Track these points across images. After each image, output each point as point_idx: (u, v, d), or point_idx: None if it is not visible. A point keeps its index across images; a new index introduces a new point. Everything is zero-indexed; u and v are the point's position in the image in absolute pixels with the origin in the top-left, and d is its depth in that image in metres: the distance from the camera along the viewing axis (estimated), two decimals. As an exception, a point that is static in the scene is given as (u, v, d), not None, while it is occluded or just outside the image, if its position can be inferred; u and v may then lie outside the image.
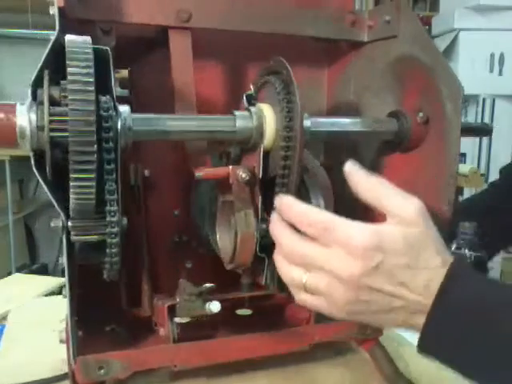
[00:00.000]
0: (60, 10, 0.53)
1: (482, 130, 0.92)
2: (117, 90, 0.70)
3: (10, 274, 1.79)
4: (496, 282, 0.50)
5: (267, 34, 0.71)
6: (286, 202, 0.50)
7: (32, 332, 0.88)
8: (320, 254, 0.47)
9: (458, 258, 0.47)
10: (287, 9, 0.72)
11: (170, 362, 0.65)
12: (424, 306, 0.46)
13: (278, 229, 0.51)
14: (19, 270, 2.72)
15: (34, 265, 3.07)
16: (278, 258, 0.51)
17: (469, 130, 0.88)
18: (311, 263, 0.48)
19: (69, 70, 0.45)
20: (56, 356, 0.61)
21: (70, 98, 0.44)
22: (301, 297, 0.50)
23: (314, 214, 0.48)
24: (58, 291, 1.19)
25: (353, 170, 0.50)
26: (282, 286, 0.63)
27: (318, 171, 0.71)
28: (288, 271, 0.50)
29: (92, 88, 0.45)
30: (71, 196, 0.46)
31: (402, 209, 0.47)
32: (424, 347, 0.48)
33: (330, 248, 0.46)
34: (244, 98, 0.63)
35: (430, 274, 0.46)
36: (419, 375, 0.76)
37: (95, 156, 0.45)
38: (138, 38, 0.71)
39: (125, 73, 0.74)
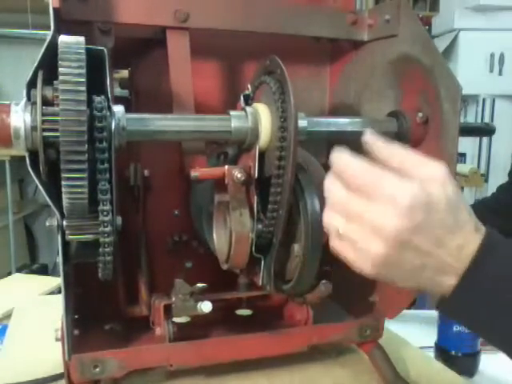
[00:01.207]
0: (55, 10, 0.53)
1: (485, 130, 0.92)
2: (116, 90, 0.70)
3: (10, 274, 1.80)
4: None
5: (267, 33, 0.71)
6: (342, 160, 0.50)
7: (33, 332, 0.88)
8: (363, 205, 0.46)
9: (492, 230, 0.48)
10: (287, 8, 0.72)
11: (165, 362, 0.65)
12: (455, 268, 0.46)
13: (329, 181, 0.50)
14: (19, 270, 2.72)
15: (33, 265, 3.07)
16: (325, 210, 0.50)
17: (471, 130, 0.88)
18: (353, 213, 0.47)
19: (60, 70, 0.45)
20: (58, 355, 0.62)
21: (61, 98, 0.44)
22: (334, 243, 0.49)
23: (363, 168, 0.47)
24: (58, 291, 1.19)
25: (374, 139, 0.50)
26: (278, 286, 0.63)
27: (316, 171, 0.71)
28: (328, 217, 0.49)
29: (83, 88, 0.45)
30: (64, 195, 0.46)
31: (434, 170, 0.47)
32: (448, 308, 0.48)
33: (375, 201, 0.45)
34: (241, 97, 0.63)
35: (465, 237, 0.46)
36: (418, 377, 0.75)
37: (86, 156, 0.46)
38: (136, 38, 0.71)
39: (125, 73, 0.74)
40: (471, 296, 0.46)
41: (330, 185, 0.50)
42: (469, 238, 0.46)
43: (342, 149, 0.50)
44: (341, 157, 0.50)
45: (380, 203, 0.45)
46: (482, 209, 1.09)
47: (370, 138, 0.50)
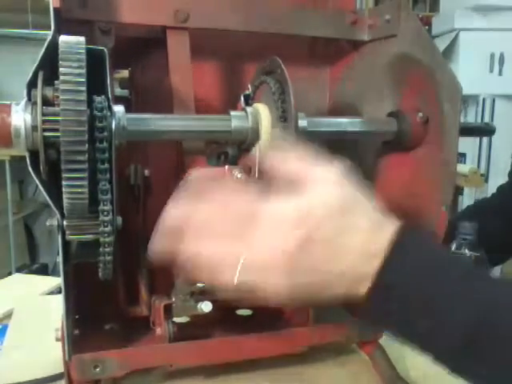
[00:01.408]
0: (55, 10, 0.53)
1: (485, 130, 0.92)
2: (117, 90, 0.70)
3: (10, 274, 1.80)
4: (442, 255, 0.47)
5: (267, 33, 0.71)
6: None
7: (33, 332, 0.88)
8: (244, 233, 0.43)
9: (401, 225, 0.45)
10: (287, 8, 0.72)
11: (165, 362, 0.65)
12: (363, 271, 0.43)
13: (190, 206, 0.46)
14: (19, 270, 2.72)
15: (33, 265, 3.08)
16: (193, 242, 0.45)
17: (471, 130, 0.88)
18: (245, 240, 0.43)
19: (61, 70, 0.45)
20: (58, 355, 0.62)
21: (61, 98, 0.44)
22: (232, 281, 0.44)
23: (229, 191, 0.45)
24: (58, 291, 1.19)
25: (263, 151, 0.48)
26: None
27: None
28: (215, 249, 0.44)
29: (83, 88, 0.45)
30: (64, 195, 0.46)
31: (323, 173, 0.45)
32: (366, 315, 0.46)
33: (260, 227, 0.43)
34: (241, 97, 0.63)
35: (369, 237, 0.43)
36: (418, 377, 0.75)
37: (86, 156, 0.46)
38: (137, 38, 0.71)
39: (125, 73, 0.74)
40: (386, 299, 0.43)
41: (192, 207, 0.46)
42: (372, 237, 0.44)
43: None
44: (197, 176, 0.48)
45: (264, 227, 0.43)
46: (482, 211, 1.09)
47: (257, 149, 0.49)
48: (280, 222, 0.43)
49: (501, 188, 1.17)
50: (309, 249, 0.43)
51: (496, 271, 2.39)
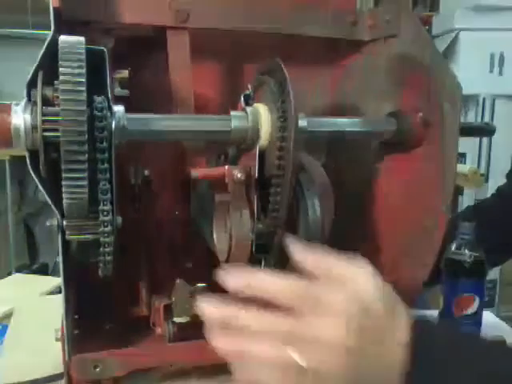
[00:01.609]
0: (55, 10, 0.53)
1: (485, 130, 0.92)
2: (116, 90, 0.70)
3: (10, 274, 1.80)
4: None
5: (267, 33, 0.71)
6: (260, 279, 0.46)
7: (33, 332, 0.88)
8: (309, 325, 0.44)
9: (420, 320, 0.47)
10: (287, 8, 0.72)
11: (165, 362, 0.65)
12: (400, 364, 0.45)
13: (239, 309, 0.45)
14: (19, 269, 2.71)
15: (33, 265, 3.07)
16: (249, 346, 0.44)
17: (471, 130, 0.88)
18: (299, 338, 0.43)
19: (61, 70, 0.45)
20: (58, 355, 0.62)
21: (61, 98, 0.44)
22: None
23: (287, 283, 0.45)
24: (58, 291, 1.19)
25: (295, 245, 0.48)
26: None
27: (316, 171, 0.71)
28: (278, 352, 0.43)
29: (83, 88, 0.45)
30: (64, 195, 0.47)
31: (359, 271, 0.46)
32: None
33: (314, 316, 0.44)
34: (241, 97, 0.63)
35: (402, 334, 0.45)
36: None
37: (86, 156, 0.46)
38: (137, 38, 0.71)
39: (125, 73, 0.74)
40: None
41: (238, 310, 0.45)
42: (405, 334, 0.45)
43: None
44: (257, 275, 0.46)
45: (318, 316, 0.44)
46: (481, 212, 1.09)
47: (291, 245, 0.48)
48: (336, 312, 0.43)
49: (499, 190, 1.17)
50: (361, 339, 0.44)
51: (496, 271, 2.39)
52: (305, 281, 0.45)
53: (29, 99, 0.49)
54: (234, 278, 0.47)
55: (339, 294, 0.44)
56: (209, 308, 0.46)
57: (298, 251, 0.47)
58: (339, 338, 0.43)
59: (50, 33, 0.51)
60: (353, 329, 0.43)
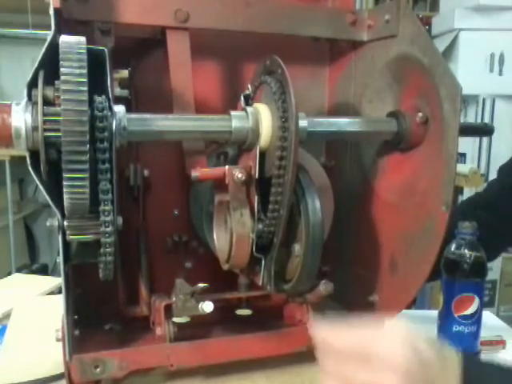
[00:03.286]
0: (56, 10, 0.53)
1: (483, 130, 0.92)
2: (116, 90, 0.70)
3: (9, 274, 1.79)
4: None
5: (267, 33, 0.71)
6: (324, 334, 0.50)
7: (33, 332, 0.88)
8: (362, 372, 0.47)
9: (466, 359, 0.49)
10: (287, 9, 0.72)
11: (166, 362, 0.65)
12: None
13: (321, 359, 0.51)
14: (19, 270, 2.71)
15: (33, 265, 3.07)
16: None
17: (469, 130, 0.88)
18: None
19: (62, 70, 0.45)
20: (58, 355, 0.62)
21: (62, 98, 0.44)
22: None
23: (350, 336, 0.48)
24: (58, 291, 1.19)
25: (316, 327, 0.51)
26: (278, 286, 0.63)
27: (316, 171, 0.71)
28: None
29: (85, 88, 0.45)
30: (65, 195, 0.46)
31: (396, 331, 0.48)
32: None
33: (373, 367, 0.46)
34: (241, 97, 0.63)
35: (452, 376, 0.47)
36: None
37: (87, 156, 0.45)
38: (137, 38, 0.71)
39: (125, 73, 0.74)
40: None
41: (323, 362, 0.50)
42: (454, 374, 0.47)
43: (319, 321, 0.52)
44: (321, 330, 0.51)
45: (378, 369, 0.46)
46: (474, 206, 1.08)
47: (313, 328, 0.52)
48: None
49: (491, 184, 1.16)
50: None
51: (496, 271, 2.39)
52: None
53: (29, 99, 0.49)
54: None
55: (398, 349, 0.46)
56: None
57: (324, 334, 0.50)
58: None
59: (51, 33, 0.51)
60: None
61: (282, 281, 0.63)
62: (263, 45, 0.71)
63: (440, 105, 0.63)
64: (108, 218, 0.50)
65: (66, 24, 0.57)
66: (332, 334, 0.50)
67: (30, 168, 0.48)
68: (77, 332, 0.64)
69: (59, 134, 0.45)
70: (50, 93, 0.48)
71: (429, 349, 0.47)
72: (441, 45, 2.58)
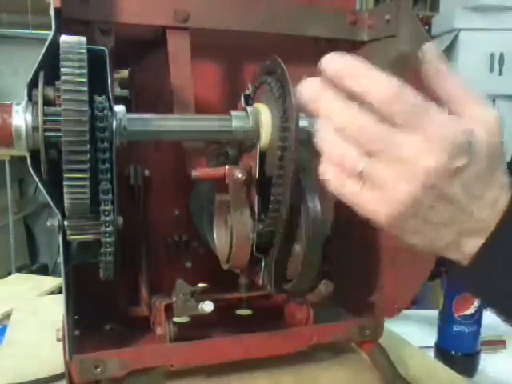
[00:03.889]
0: (56, 10, 0.53)
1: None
2: (116, 90, 0.70)
3: (9, 274, 1.79)
4: None
5: (267, 33, 0.71)
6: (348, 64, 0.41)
7: (33, 332, 0.88)
8: (396, 136, 0.38)
9: None
10: (287, 8, 0.72)
11: (166, 362, 0.65)
12: (486, 225, 0.39)
13: (328, 94, 0.41)
14: (19, 270, 2.71)
15: (34, 265, 3.07)
16: (327, 133, 0.40)
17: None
18: (378, 145, 0.38)
19: (62, 70, 0.45)
20: (58, 355, 0.62)
21: (63, 97, 0.44)
22: (348, 188, 0.40)
23: (401, 94, 0.40)
24: (58, 291, 1.19)
25: (434, 57, 0.43)
26: (278, 286, 0.63)
27: (316, 171, 0.71)
28: (340, 148, 0.39)
29: (85, 88, 0.45)
30: (65, 195, 0.47)
31: (485, 116, 0.41)
32: (468, 275, 0.41)
33: (413, 133, 0.37)
34: (242, 97, 0.63)
35: (499, 192, 0.40)
36: (418, 377, 0.75)
37: (88, 156, 0.46)
38: (137, 38, 0.71)
39: (125, 73, 0.74)
40: (501, 257, 0.40)
41: (330, 95, 0.41)
42: (503, 193, 0.40)
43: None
44: (355, 65, 0.41)
45: (416, 135, 0.37)
46: None
47: (429, 53, 0.43)
48: (441, 138, 0.37)
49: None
50: (450, 183, 0.38)
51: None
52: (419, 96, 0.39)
53: (30, 99, 0.49)
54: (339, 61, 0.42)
55: (458, 127, 0.38)
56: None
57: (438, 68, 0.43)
58: (426, 164, 0.37)
59: (51, 33, 0.51)
60: (446, 163, 0.37)
61: (282, 281, 0.63)
62: (263, 45, 0.71)
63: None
64: (108, 218, 0.50)
65: (65, 24, 0.57)
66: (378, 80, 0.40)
67: (30, 168, 0.49)
68: (77, 332, 0.65)
69: (59, 134, 0.46)
70: (50, 93, 0.48)
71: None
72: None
